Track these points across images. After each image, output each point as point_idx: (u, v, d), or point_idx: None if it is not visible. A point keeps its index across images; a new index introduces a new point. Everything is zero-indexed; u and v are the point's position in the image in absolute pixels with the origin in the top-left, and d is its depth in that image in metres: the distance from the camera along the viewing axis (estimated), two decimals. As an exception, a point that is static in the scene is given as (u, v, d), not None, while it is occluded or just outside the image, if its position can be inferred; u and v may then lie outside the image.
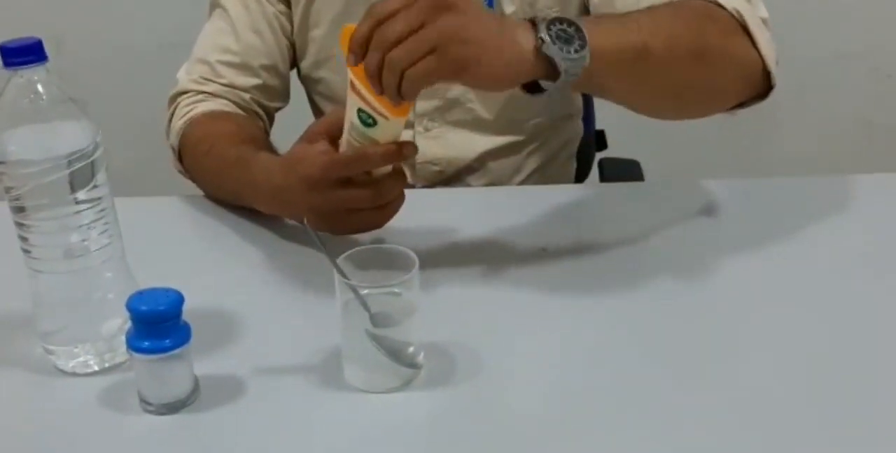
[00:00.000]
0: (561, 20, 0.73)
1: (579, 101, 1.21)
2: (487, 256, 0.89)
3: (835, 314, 0.81)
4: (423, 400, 0.70)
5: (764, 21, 0.92)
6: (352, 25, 0.72)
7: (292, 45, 1.12)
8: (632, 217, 0.97)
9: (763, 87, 0.91)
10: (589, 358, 0.75)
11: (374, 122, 0.76)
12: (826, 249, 0.92)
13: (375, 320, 0.69)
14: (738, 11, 0.88)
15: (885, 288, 0.85)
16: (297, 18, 1.09)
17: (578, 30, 0.74)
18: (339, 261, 0.70)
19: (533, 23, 0.74)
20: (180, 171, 1.07)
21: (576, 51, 0.73)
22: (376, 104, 0.75)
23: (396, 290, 0.70)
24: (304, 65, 1.13)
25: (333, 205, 0.82)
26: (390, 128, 0.76)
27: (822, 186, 1.08)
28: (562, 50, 0.72)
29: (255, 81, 1.09)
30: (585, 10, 1.05)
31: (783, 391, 0.71)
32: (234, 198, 0.98)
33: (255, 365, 0.74)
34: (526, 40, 0.73)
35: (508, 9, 1.04)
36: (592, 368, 0.74)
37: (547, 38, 0.72)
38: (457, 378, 0.72)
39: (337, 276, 0.69)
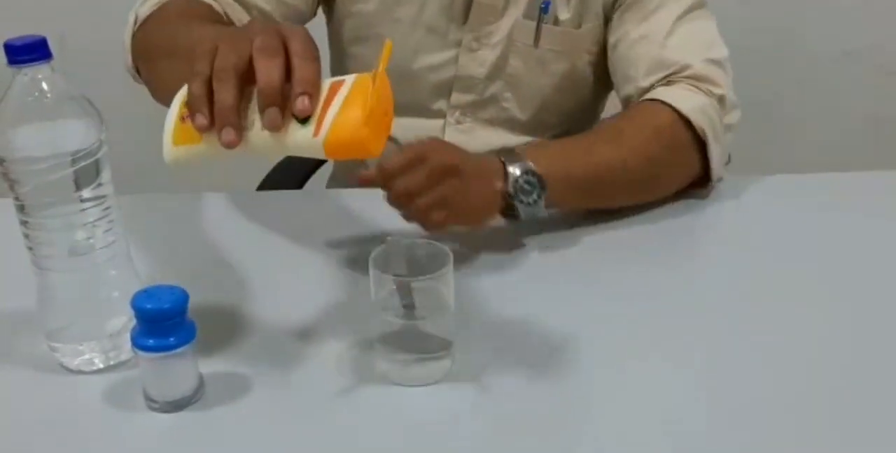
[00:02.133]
0: (528, 171, 0.87)
1: (604, 105, 1.21)
2: (514, 253, 0.91)
3: (841, 310, 0.81)
4: (455, 394, 0.71)
5: (735, 105, 1.02)
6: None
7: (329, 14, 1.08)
8: (639, 213, 0.97)
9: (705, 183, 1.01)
10: (612, 351, 0.75)
11: (307, 120, 0.65)
12: (832, 246, 0.92)
13: (412, 313, 0.70)
14: (703, 130, 0.95)
15: (890, 284, 0.85)
16: None
17: (540, 179, 0.87)
18: (375, 254, 0.70)
19: (506, 168, 0.87)
20: (128, 48, 0.97)
21: (534, 201, 0.87)
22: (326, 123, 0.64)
23: (432, 284, 0.71)
24: (338, 39, 1.10)
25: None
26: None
27: (827, 183, 1.08)
28: (522, 202, 0.87)
29: (264, 6, 1.01)
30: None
31: (780, 389, 0.71)
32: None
33: (259, 363, 0.74)
34: (499, 185, 0.87)
35: (563, 15, 1.04)
36: (616, 363, 0.74)
37: (511, 191, 0.86)
38: (489, 372, 0.73)
39: (386, 266, 0.69)
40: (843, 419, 0.68)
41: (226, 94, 0.63)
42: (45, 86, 0.66)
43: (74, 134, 0.67)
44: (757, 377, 0.73)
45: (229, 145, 0.63)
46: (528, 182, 0.86)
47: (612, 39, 1.06)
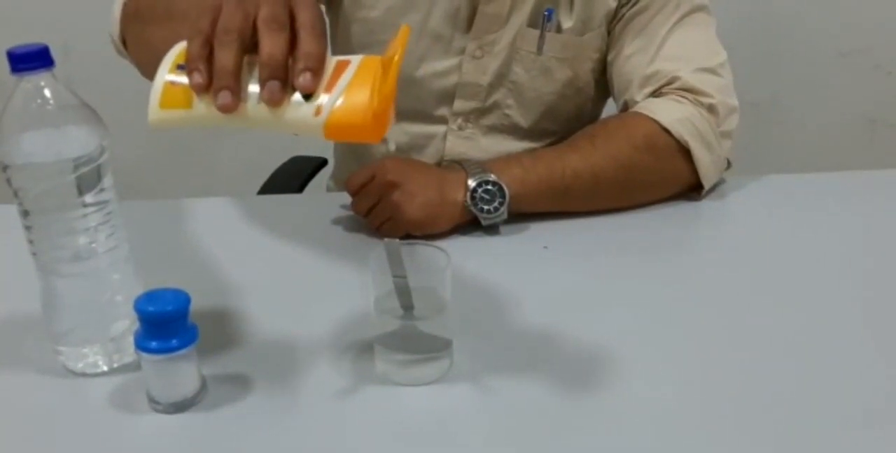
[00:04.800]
0: (487, 181, 0.93)
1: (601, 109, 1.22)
2: (513, 253, 0.92)
3: (840, 309, 0.82)
4: (454, 394, 0.71)
5: (733, 110, 1.03)
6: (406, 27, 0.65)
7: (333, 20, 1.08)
8: (638, 213, 0.99)
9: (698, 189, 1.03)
10: (610, 351, 0.76)
11: (309, 97, 0.61)
12: (827, 245, 0.93)
13: (411, 313, 0.70)
14: (684, 139, 0.97)
15: (887, 283, 0.86)
16: None
17: (500, 188, 0.93)
18: (373, 255, 0.70)
19: (467, 177, 0.93)
20: (117, 15, 0.92)
21: (495, 208, 0.93)
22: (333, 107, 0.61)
23: (430, 284, 0.71)
24: (342, 45, 1.10)
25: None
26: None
27: (823, 183, 1.08)
28: (482, 210, 0.93)
29: None
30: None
31: (780, 388, 0.72)
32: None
33: (259, 364, 0.75)
34: (459, 196, 0.93)
35: (566, 23, 1.05)
36: (615, 360, 0.75)
37: (469, 201, 0.93)
38: (487, 371, 0.73)
39: (384, 268, 0.70)
40: (844, 419, 0.68)
41: (227, 58, 0.60)
42: (47, 93, 0.67)
43: (76, 140, 0.68)
44: (756, 376, 0.73)
45: (225, 109, 0.60)
46: (486, 191, 0.92)
47: (610, 55, 1.07)
